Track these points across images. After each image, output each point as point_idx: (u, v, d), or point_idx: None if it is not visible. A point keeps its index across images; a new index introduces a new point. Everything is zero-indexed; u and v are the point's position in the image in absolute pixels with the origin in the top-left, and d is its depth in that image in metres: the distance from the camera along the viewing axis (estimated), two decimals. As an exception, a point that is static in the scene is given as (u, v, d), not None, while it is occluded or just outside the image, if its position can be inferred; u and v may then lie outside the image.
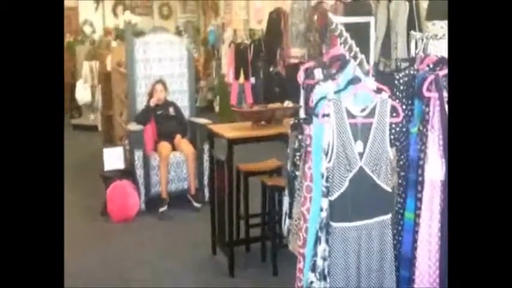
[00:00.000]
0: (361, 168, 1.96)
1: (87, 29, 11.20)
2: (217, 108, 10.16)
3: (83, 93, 8.74)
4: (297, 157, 2.34)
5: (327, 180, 1.94)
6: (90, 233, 4.42)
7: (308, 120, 2.25)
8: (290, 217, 2.39)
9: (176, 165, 4.89)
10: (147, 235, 4.31)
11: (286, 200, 2.46)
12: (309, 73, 2.24)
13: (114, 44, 7.27)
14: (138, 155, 4.77)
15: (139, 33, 5.43)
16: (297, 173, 2.35)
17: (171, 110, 5.10)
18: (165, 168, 4.76)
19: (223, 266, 3.50)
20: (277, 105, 3.70)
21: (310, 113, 2.08)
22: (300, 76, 2.28)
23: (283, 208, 2.52)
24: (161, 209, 4.67)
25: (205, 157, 4.82)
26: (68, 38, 10.18)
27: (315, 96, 2.05)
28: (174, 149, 4.95)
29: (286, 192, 2.47)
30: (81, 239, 4.28)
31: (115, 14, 11.13)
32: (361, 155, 1.97)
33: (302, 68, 2.28)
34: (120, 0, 11.32)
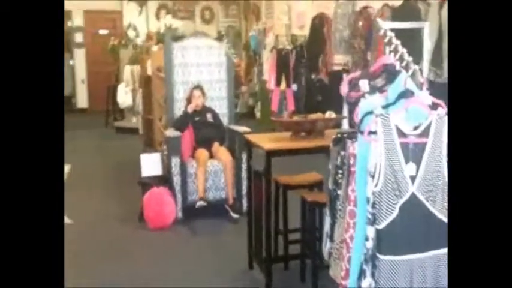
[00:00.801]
0: (413, 194, 1.75)
1: (130, 33, 11.32)
2: (258, 115, 10.06)
3: (124, 96, 8.81)
4: (339, 175, 2.17)
5: (373, 206, 1.75)
6: (126, 238, 4.37)
7: (351, 136, 2.07)
8: (331, 240, 2.21)
9: (214, 173, 4.78)
10: (183, 244, 4.22)
11: (327, 220, 2.29)
12: (353, 84, 2.04)
13: (154, 48, 7.27)
14: (175, 161, 4.68)
15: (178, 38, 5.36)
16: (339, 192, 2.17)
17: (209, 117, 5.00)
18: (202, 175, 4.66)
19: (260, 283, 3.35)
20: (318, 115, 3.51)
21: (355, 129, 1.89)
22: (344, 87, 2.09)
23: (324, 227, 2.35)
24: (199, 203, 4.56)
25: (244, 166, 4.68)
26: (112, 41, 10.32)
27: (360, 111, 1.86)
28: (211, 156, 4.84)
29: (327, 211, 2.30)
30: (116, 243, 4.25)
31: (158, 18, 11.20)
32: (413, 179, 1.76)
33: (346, 78, 2.09)
34: (163, 3, 11.38)
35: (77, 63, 11.93)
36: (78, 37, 11.83)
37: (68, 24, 11.85)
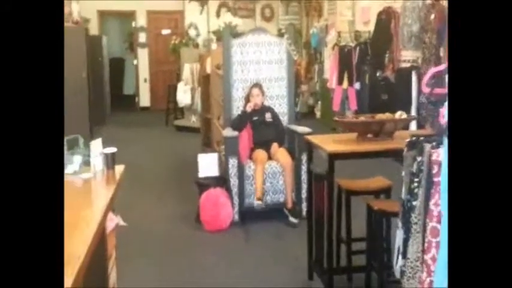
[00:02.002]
0: None
1: (192, 32, 11.35)
2: (318, 114, 9.78)
3: (183, 95, 8.80)
4: (415, 183, 1.90)
5: (461, 224, 1.48)
6: (182, 239, 4.27)
7: (430, 140, 1.81)
8: (404, 256, 1.95)
9: (272, 175, 4.57)
10: (239, 248, 4.05)
11: (399, 234, 2.02)
12: (437, 80, 1.75)
13: (214, 46, 7.17)
14: (233, 162, 4.52)
15: (237, 34, 5.19)
16: (414, 203, 1.91)
17: (268, 116, 4.80)
18: (260, 176, 4.46)
19: (320, 295, 3.12)
20: (387, 115, 3.22)
21: (440, 132, 1.61)
22: (425, 83, 1.80)
23: (395, 241, 2.09)
24: (257, 202, 4.38)
25: (304, 168, 4.44)
26: (173, 40, 10.39)
27: (446, 111, 1.59)
28: (270, 158, 4.63)
29: (400, 223, 2.03)
30: (172, 244, 4.16)
31: (218, 16, 11.15)
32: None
33: (429, 73, 1.81)
34: (223, 2, 11.33)
35: (140, 62, 12.12)
36: (142, 37, 12.01)
37: (132, 24, 12.06)
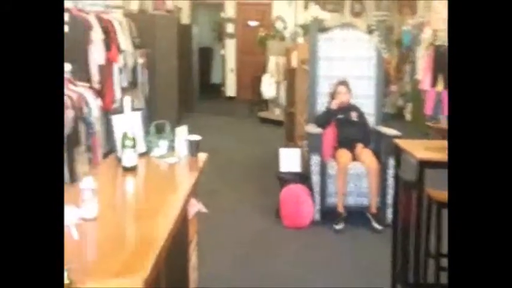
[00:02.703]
0: None
1: (278, 25, 11.32)
2: (407, 117, 9.40)
3: (267, 87, 8.82)
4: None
5: None
6: (260, 233, 4.27)
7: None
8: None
9: (356, 177, 4.42)
10: (317, 248, 3.97)
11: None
12: None
13: (300, 40, 7.09)
14: (315, 160, 4.44)
15: (324, 29, 5.06)
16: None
17: (354, 115, 4.65)
18: (343, 178, 4.34)
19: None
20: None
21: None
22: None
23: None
24: (337, 227, 4.27)
25: (390, 173, 4.26)
26: (260, 32, 10.42)
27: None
28: (354, 159, 4.49)
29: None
30: (250, 237, 4.18)
31: (306, 9, 11.02)
32: None
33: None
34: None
35: (228, 52, 12.29)
36: (230, 28, 12.17)
37: (221, 15, 12.24)
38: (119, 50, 5.55)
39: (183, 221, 2.28)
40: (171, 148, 2.71)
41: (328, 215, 4.40)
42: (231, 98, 12.24)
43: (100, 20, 5.23)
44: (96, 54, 4.98)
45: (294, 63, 6.57)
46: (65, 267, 1.32)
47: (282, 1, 11.48)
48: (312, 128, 4.59)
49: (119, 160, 2.51)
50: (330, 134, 4.60)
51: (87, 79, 4.71)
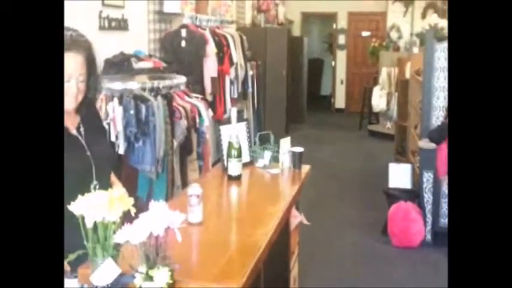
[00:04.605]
0: None
1: (393, 34, 10.99)
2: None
3: (378, 99, 8.56)
4: None
5: None
6: (365, 250, 4.14)
7: None
8: None
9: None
10: (428, 272, 3.74)
11: None
12: None
13: (415, 50, 6.79)
14: (428, 176, 4.21)
15: (443, 38, 4.78)
16: None
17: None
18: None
19: None
20: None
21: None
22: None
23: None
24: None
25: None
26: (373, 43, 10.19)
27: None
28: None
29: None
30: (353, 253, 4.08)
31: (424, 18, 10.56)
32: None
33: None
34: (431, 3, 10.68)
35: (338, 64, 12.18)
36: (341, 39, 12.05)
37: (333, 26, 12.17)
38: (231, 63, 5.74)
39: (284, 231, 2.27)
40: (275, 159, 2.72)
41: (441, 236, 4.12)
42: (340, 110, 12.08)
43: (214, 34, 5.46)
44: (210, 67, 5.20)
45: (407, 74, 6.32)
46: (170, 267, 1.35)
47: (398, 10, 11.12)
48: (426, 143, 4.36)
49: (225, 169, 2.57)
50: (445, 150, 4.32)
51: (201, 91, 4.92)
